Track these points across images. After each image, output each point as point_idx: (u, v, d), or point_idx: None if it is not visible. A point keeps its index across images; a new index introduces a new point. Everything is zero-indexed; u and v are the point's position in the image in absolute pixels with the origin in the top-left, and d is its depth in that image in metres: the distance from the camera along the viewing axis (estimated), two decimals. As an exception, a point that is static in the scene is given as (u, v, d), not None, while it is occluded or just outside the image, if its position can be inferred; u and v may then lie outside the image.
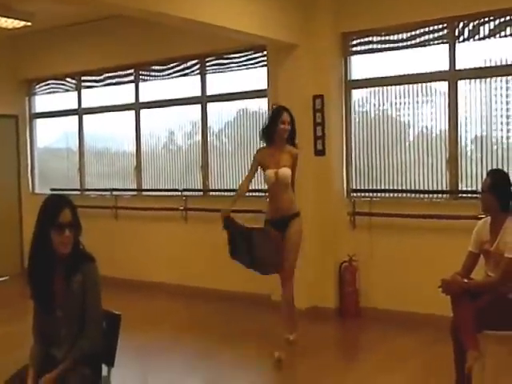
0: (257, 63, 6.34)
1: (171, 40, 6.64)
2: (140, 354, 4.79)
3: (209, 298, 6.35)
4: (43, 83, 8.29)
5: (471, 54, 5.17)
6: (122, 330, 2.72)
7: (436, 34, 5.31)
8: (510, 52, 5.02)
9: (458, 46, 5.21)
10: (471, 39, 5.16)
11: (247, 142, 6.49)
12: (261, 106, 6.37)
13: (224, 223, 4.47)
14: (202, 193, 6.88)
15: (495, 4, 4.92)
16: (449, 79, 5.27)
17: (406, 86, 5.53)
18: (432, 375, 4.17)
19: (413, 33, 5.41)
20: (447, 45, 5.25)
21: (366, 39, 5.68)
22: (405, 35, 5.46)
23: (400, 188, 5.59)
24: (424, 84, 5.44)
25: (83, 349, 2.56)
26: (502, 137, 5.17)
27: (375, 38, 5.63)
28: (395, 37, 5.52)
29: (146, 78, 7.29)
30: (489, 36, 5.08)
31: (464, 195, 5.25)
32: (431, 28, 5.31)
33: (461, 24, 5.18)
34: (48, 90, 8.30)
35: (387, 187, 5.67)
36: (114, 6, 4.43)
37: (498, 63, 5.10)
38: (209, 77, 6.74)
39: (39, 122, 8.52)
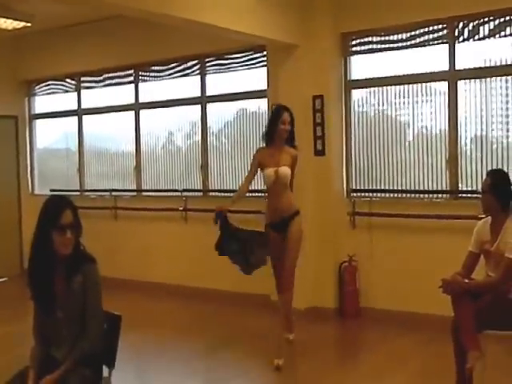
0: (257, 63, 6.34)
1: (171, 40, 6.64)
2: (140, 355, 4.79)
3: (208, 298, 6.35)
4: (43, 84, 8.29)
5: (471, 54, 5.17)
6: (122, 330, 2.72)
7: (436, 34, 5.31)
8: (509, 52, 5.02)
9: (458, 46, 5.21)
10: (471, 39, 5.17)
11: (247, 142, 6.48)
12: (260, 106, 6.38)
13: (216, 216, 4.38)
14: (201, 193, 6.87)
15: (495, 4, 4.93)
16: (448, 79, 5.27)
17: (406, 86, 5.53)
18: (432, 376, 4.16)
19: (412, 33, 5.41)
20: (447, 45, 5.25)
21: (366, 39, 5.68)
22: (404, 35, 5.46)
23: (400, 188, 5.59)
24: (424, 84, 5.44)
25: (84, 349, 2.56)
26: (501, 136, 5.17)
27: (375, 38, 5.63)
28: (395, 37, 5.52)
29: (145, 78, 7.29)
30: (488, 36, 5.08)
31: (464, 195, 5.25)
32: (431, 28, 5.31)
33: (460, 24, 5.18)
34: (48, 91, 8.30)
35: (387, 187, 5.67)
36: (117, 6, 4.42)
37: (498, 63, 5.10)
38: (208, 77, 6.74)
39: (39, 122, 8.52)
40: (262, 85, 6.21)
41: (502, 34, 5.02)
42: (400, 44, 5.51)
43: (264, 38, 5.43)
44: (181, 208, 6.78)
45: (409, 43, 5.46)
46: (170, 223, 6.91)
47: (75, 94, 7.97)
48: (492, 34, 5.07)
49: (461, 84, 5.23)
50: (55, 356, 2.59)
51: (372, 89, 5.74)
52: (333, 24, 5.65)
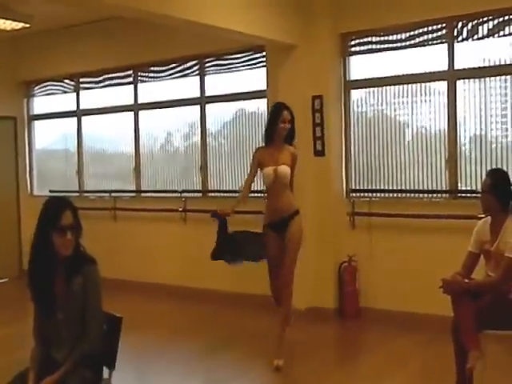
0: (256, 64, 6.33)
1: (170, 41, 6.64)
2: (141, 356, 4.78)
3: (208, 298, 6.34)
4: (42, 85, 8.28)
5: (470, 53, 5.18)
6: (122, 331, 2.71)
7: (435, 34, 5.31)
8: (508, 51, 5.03)
9: (457, 46, 5.21)
10: (470, 39, 5.17)
11: (246, 142, 6.48)
12: (260, 106, 6.37)
13: (215, 217, 4.39)
14: (201, 194, 6.87)
15: (493, 4, 4.93)
16: (448, 79, 5.27)
17: (405, 85, 5.53)
18: (432, 376, 4.16)
19: (412, 33, 5.41)
20: (446, 45, 5.25)
21: (365, 39, 5.68)
22: (404, 35, 5.46)
23: (399, 188, 5.58)
24: (423, 84, 5.44)
25: (83, 350, 2.55)
26: (501, 136, 5.18)
27: (374, 39, 5.63)
28: (394, 37, 5.52)
29: (144, 79, 7.28)
30: (487, 36, 5.08)
31: (463, 195, 5.25)
32: (430, 28, 5.31)
33: (459, 24, 5.18)
34: (46, 92, 8.28)
35: (386, 187, 5.66)
36: (116, 7, 4.41)
37: (497, 63, 5.11)
38: (208, 78, 6.74)
39: (38, 123, 8.50)
40: (261, 85, 6.20)
41: (501, 33, 5.02)
42: (399, 44, 5.51)
43: (263, 39, 5.43)
44: (180, 209, 6.77)
45: (408, 43, 5.46)
46: (170, 224, 6.90)
47: (74, 94, 7.96)
48: (491, 33, 5.07)
49: (460, 84, 5.23)
50: (55, 357, 2.59)
51: (371, 89, 5.74)
52: (332, 24, 5.65)
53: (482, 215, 3.70)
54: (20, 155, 8.40)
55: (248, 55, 6.37)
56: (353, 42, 5.75)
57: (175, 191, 6.95)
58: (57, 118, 8.26)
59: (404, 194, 5.58)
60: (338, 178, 5.79)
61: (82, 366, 2.55)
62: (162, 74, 7.09)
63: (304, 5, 5.66)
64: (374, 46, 5.66)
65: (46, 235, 2.52)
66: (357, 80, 5.78)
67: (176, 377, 4.40)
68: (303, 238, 4.59)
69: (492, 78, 5.14)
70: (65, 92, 8.09)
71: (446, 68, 5.27)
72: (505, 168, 4.73)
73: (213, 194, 6.79)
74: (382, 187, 5.69)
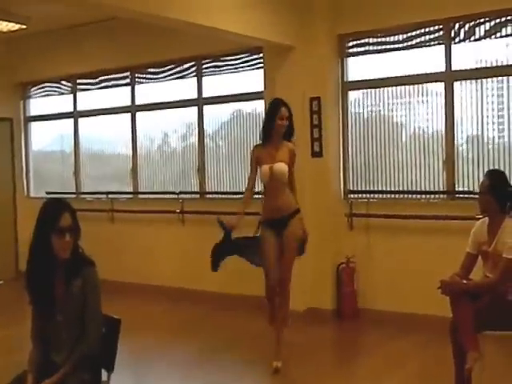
0: (253, 65, 6.33)
1: (167, 42, 6.63)
2: (139, 359, 4.77)
3: (206, 300, 6.33)
4: (38, 86, 8.26)
5: (467, 55, 5.19)
6: (121, 333, 2.71)
7: (432, 36, 5.32)
8: (505, 53, 5.04)
9: (454, 47, 5.22)
10: (467, 40, 5.18)
11: (244, 144, 6.47)
12: (257, 108, 6.37)
13: (222, 226, 4.37)
14: (198, 195, 6.86)
15: (490, 5, 4.94)
16: (445, 80, 5.28)
17: (403, 87, 5.54)
18: (431, 377, 4.16)
19: (409, 34, 5.42)
20: (443, 46, 5.26)
21: (363, 41, 5.68)
22: (401, 37, 5.47)
23: (397, 189, 5.59)
24: (420, 85, 5.45)
25: (82, 352, 2.54)
26: (497, 137, 5.19)
27: (371, 40, 5.63)
28: (391, 38, 5.53)
29: (141, 80, 7.27)
30: (484, 37, 5.10)
31: (461, 195, 5.26)
32: (427, 29, 5.32)
33: (456, 25, 5.19)
34: (43, 93, 8.26)
35: (384, 188, 5.67)
36: (114, 8, 4.40)
37: (494, 64, 5.12)
38: (205, 79, 6.74)
39: (34, 125, 8.48)
40: (258, 87, 6.20)
41: (498, 34, 5.04)
42: (396, 45, 5.52)
43: (260, 40, 5.43)
44: (178, 210, 6.77)
45: (405, 44, 5.47)
46: (167, 225, 6.89)
47: (71, 96, 7.94)
48: (488, 35, 5.08)
49: (457, 85, 5.24)
50: (55, 360, 2.58)
51: (369, 90, 5.75)
52: (329, 26, 5.66)
53: (480, 216, 3.70)
54: (16, 157, 8.38)
55: (245, 57, 6.36)
56: (350, 44, 5.76)
57: (173, 193, 6.94)
58: (53, 119, 8.24)
59: (402, 195, 5.59)
60: (336, 179, 5.79)
61: (80, 368, 2.54)
62: (160, 76, 7.09)
63: (301, 6, 5.66)
64: (371, 48, 5.66)
65: (44, 237, 2.51)
66: (354, 81, 5.79)
67: (175, 379, 4.40)
68: (307, 240, 4.54)
69: (489, 79, 5.15)
70: (61, 93, 8.07)
71: (443, 69, 5.28)
72: (502, 169, 4.74)
73: (210, 196, 6.79)
74: (380, 188, 5.70)
